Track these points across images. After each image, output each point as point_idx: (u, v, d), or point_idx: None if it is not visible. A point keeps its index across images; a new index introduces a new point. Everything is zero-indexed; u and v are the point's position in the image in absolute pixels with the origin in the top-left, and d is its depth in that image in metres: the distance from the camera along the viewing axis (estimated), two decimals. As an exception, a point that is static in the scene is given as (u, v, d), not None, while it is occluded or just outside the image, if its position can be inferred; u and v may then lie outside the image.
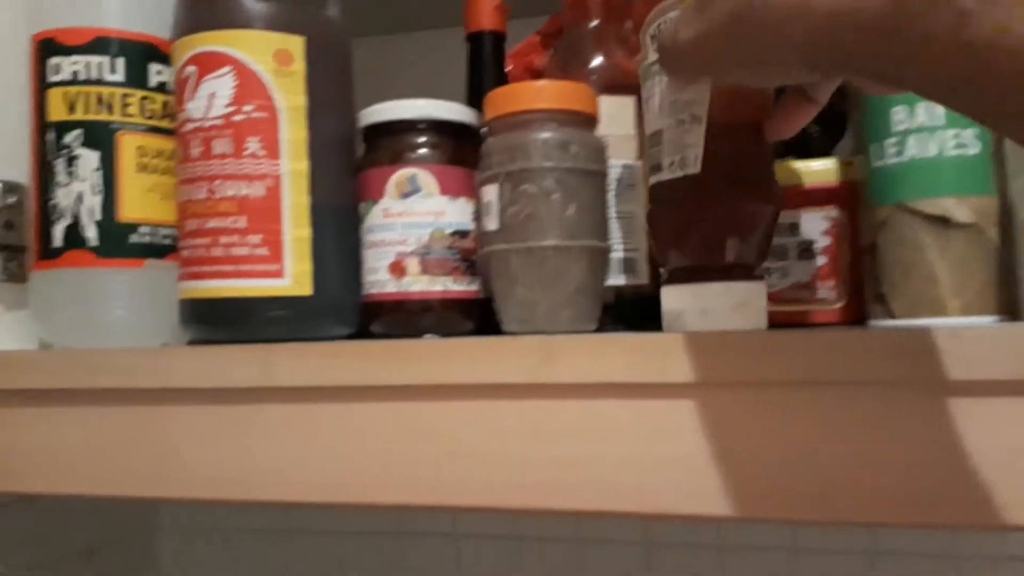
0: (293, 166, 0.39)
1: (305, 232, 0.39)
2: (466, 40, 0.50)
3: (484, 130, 0.41)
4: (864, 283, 0.37)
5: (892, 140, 0.35)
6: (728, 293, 0.34)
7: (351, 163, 0.42)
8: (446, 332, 0.40)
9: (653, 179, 0.37)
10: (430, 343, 0.35)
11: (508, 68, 0.50)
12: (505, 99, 0.39)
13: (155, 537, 0.80)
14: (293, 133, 0.39)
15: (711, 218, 0.34)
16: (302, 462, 0.37)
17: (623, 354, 0.33)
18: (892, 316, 0.35)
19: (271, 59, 0.39)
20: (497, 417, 0.34)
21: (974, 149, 0.34)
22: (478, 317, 0.42)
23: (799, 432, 0.31)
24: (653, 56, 0.36)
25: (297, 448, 0.37)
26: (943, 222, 0.34)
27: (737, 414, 0.32)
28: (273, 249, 0.38)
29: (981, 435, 0.29)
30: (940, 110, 0.34)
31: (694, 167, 0.34)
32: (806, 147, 0.50)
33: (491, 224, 0.39)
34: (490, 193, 0.39)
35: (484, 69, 0.49)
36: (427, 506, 0.35)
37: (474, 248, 0.41)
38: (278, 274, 0.39)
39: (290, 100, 0.39)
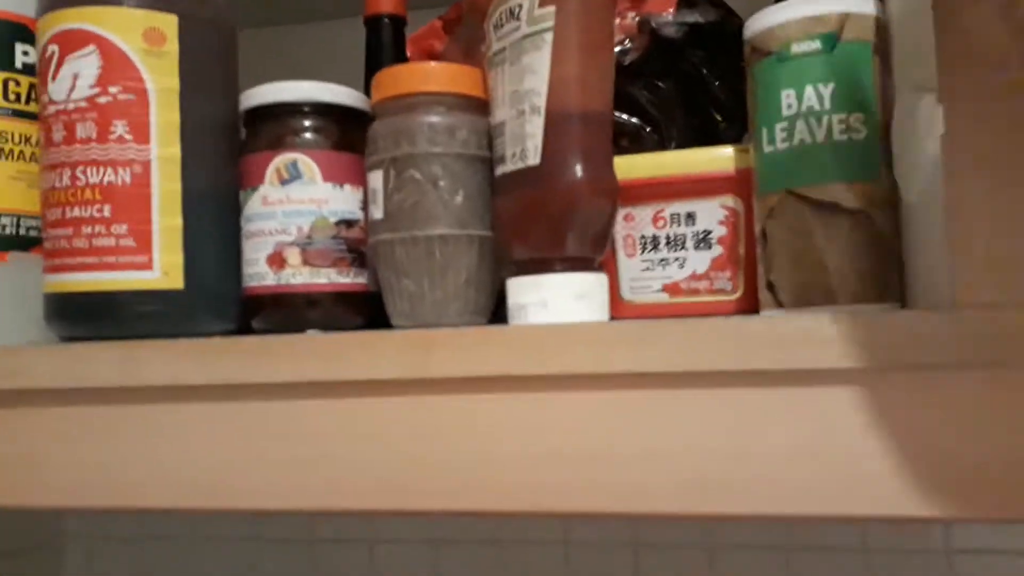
0: (163, 151, 0.37)
1: (176, 221, 0.37)
2: (364, 23, 0.48)
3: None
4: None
5: (781, 125, 0.34)
6: (568, 285, 0.33)
7: (230, 149, 0.40)
8: (332, 328, 0.38)
9: (497, 171, 0.36)
10: (302, 339, 0.33)
11: (407, 52, 0.48)
12: (391, 80, 0.38)
13: (61, 546, 0.76)
14: (164, 116, 0.37)
15: (550, 211, 0.34)
16: (170, 465, 0.34)
17: (501, 346, 0.31)
18: (781, 305, 0.34)
19: (140, 38, 0.37)
20: (374, 415, 0.32)
21: (861, 134, 0.33)
22: (368, 312, 0.40)
23: (680, 423, 0.30)
24: (497, 46, 0.35)
25: (165, 451, 0.34)
26: (831, 208, 0.33)
27: (617, 406, 0.30)
28: (141, 240, 0.36)
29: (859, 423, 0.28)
30: (828, 94, 0.33)
31: (534, 159, 0.33)
32: (713, 136, 0.49)
33: (377, 212, 0.37)
34: (375, 180, 0.37)
35: (382, 54, 0.47)
36: (302, 510, 0.33)
37: (363, 238, 0.39)
38: (146, 266, 0.36)
39: (161, 82, 0.37)
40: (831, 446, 0.29)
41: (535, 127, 0.33)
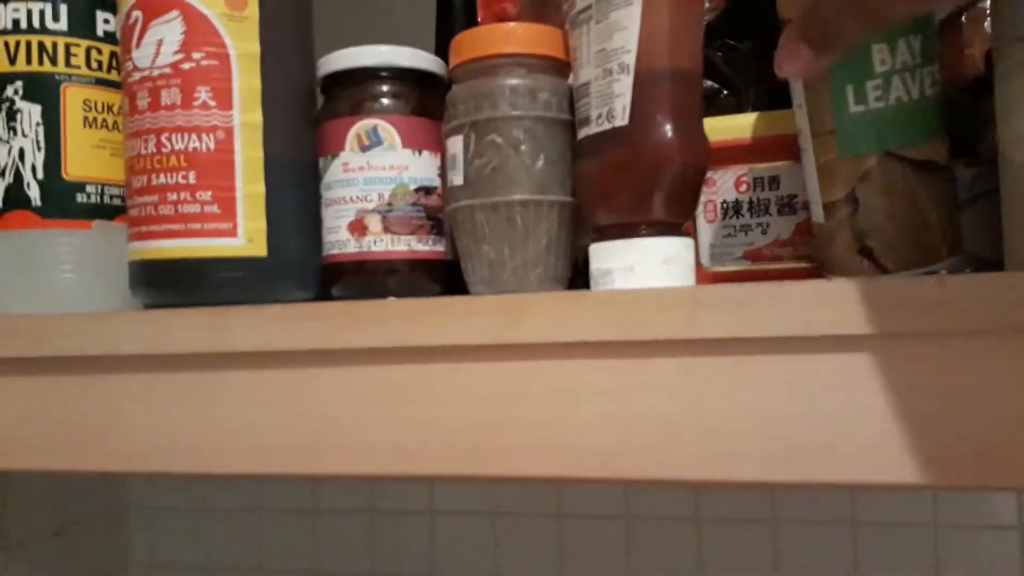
0: (245, 117, 0.37)
1: (259, 188, 0.37)
2: (435, -12, 0.48)
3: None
4: (836, 237, 0.35)
5: (874, 82, 0.32)
6: (656, 249, 0.33)
7: (309, 115, 0.40)
8: (411, 295, 0.38)
9: (581, 133, 0.35)
10: (389, 304, 0.33)
11: (479, 18, 0.48)
12: (470, 43, 0.37)
13: (125, 517, 0.78)
14: (246, 82, 0.37)
15: (639, 173, 0.33)
16: (261, 430, 0.35)
17: (592, 311, 0.31)
18: (885, 270, 0.32)
19: (222, 3, 0.37)
20: (462, 380, 0.32)
21: (940, 85, 0.32)
22: (445, 279, 0.40)
23: (776, 389, 0.29)
24: (582, 3, 0.35)
25: (255, 416, 0.35)
26: (931, 167, 0.32)
27: (712, 372, 0.30)
28: (225, 206, 0.36)
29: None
30: (918, 46, 0.32)
31: (622, 119, 0.32)
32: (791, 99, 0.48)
33: (456, 178, 0.37)
34: (455, 145, 0.37)
35: (454, 18, 0.47)
36: (391, 475, 0.33)
37: (440, 205, 0.39)
38: (231, 233, 0.36)
39: (243, 47, 0.37)
40: (939, 410, 0.28)
41: (624, 86, 0.33)
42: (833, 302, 0.28)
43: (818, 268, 0.38)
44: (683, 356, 0.30)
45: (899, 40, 0.32)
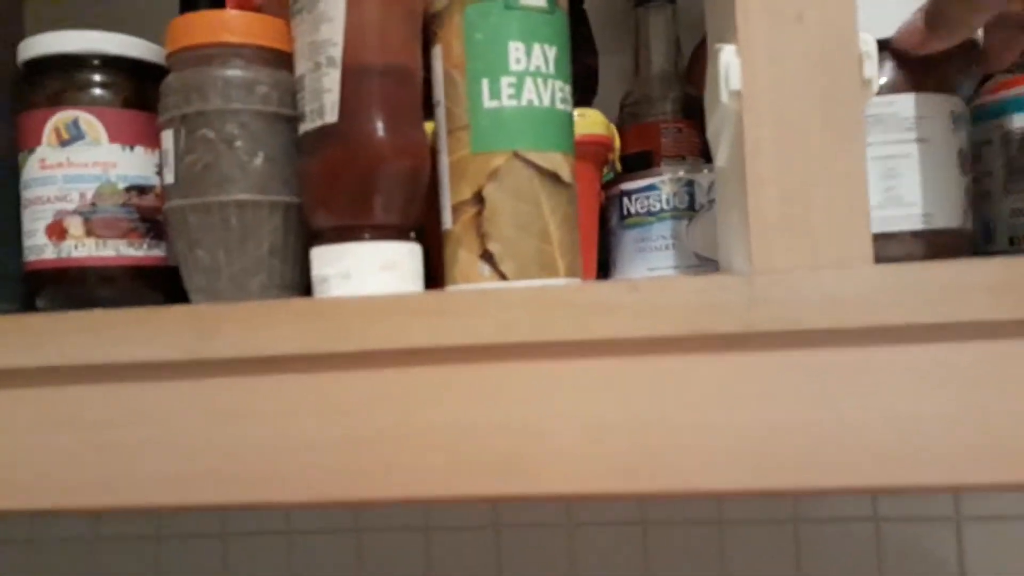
0: (-84, 106, 0.32)
1: (-66, 186, 0.33)
2: (180, -27, 0.44)
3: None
4: (460, 242, 0.32)
5: (509, 79, 0.31)
6: (373, 254, 0.31)
7: (7, 107, 0.36)
8: (123, 304, 0.35)
9: (300, 129, 0.33)
10: (62, 316, 0.29)
11: (226, 5, 0.44)
12: (184, 30, 0.34)
13: None
14: (-81, 67, 0.32)
15: (350, 173, 0.31)
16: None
17: (292, 322, 0.28)
18: (504, 277, 0.31)
19: None
20: (147, 401, 0.29)
21: (569, 106, 0.32)
22: (166, 287, 0.36)
23: (484, 397, 0.28)
24: None
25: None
26: (554, 178, 0.31)
27: (419, 381, 0.28)
28: None
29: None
30: (552, 57, 0.31)
31: (331, 116, 0.31)
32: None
33: (169, 176, 0.34)
34: (167, 140, 0.34)
35: (198, 4, 0.43)
36: (69, 508, 0.30)
37: (158, 206, 0.36)
38: None
39: (-84, 27, 0.33)
40: (640, 417, 0.27)
41: (332, 81, 0.31)
42: (530, 307, 0.27)
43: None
44: (394, 367, 0.29)
45: (534, 44, 0.31)
